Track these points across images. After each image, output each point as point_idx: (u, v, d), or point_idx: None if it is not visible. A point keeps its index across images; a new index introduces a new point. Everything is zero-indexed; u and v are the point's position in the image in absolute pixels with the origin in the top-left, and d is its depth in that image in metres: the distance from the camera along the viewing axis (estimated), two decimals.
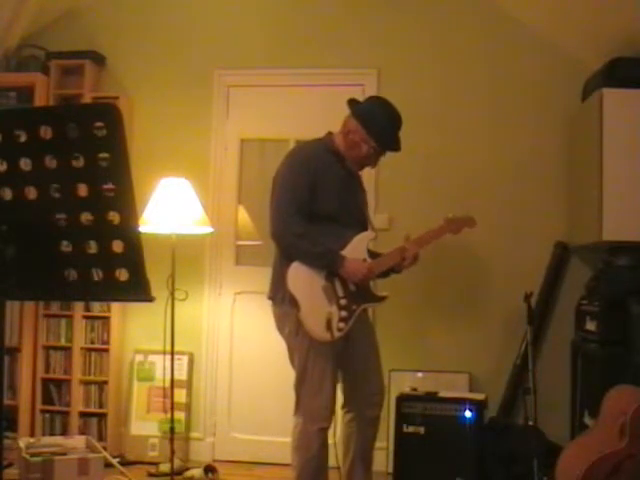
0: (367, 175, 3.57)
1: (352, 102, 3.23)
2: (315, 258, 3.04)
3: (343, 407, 3.26)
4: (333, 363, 3.11)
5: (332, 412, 3.12)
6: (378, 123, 3.13)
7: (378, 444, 4.04)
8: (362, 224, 3.22)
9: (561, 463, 3.15)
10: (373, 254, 3.21)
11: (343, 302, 3.05)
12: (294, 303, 3.01)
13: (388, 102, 3.22)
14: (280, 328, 3.20)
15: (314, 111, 4.57)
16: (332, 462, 3.30)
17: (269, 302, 3.24)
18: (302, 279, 3.04)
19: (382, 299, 3.17)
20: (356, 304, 3.08)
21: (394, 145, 3.20)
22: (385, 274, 3.22)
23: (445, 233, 3.29)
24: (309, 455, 3.09)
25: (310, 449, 3.09)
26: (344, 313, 3.04)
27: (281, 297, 3.11)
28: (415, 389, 3.93)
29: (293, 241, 3.07)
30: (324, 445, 3.11)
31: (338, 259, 3.05)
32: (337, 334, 3.02)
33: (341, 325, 3.03)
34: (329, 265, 3.05)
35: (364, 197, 3.36)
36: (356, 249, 3.12)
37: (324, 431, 3.10)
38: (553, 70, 4.33)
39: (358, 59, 4.51)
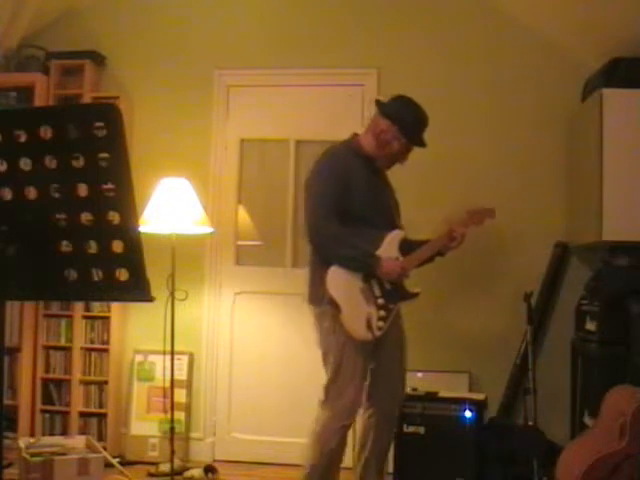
0: None
1: (379, 102, 3.30)
2: (353, 261, 3.10)
3: (365, 402, 3.30)
4: (365, 361, 3.17)
5: (357, 410, 3.18)
6: (408, 120, 3.20)
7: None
8: (391, 223, 3.25)
9: (561, 463, 3.15)
10: (412, 244, 3.24)
11: (381, 302, 3.11)
12: (335, 306, 3.07)
13: (414, 100, 3.29)
14: (317, 326, 3.24)
15: (314, 111, 4.57)
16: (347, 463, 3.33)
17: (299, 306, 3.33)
18: (341, 282, 3.10)
19: (415, 295, 3.21)
20: (393, 302, 3.15)
21: (422, 141, 3.27)
22: (430, 259, 3.28)
23: (470, 225, 3.31)
24: (326, 449, 3.14)
25: (329, 444, 3.14)
26: (382, 312, 3.11)
27: (320, 297, 3.14)
28: (415, 389, 3.93)
29: (330, 244, 3.13)
30: (342, 442, 3.17)
31: (375, 260, 3.10)
32: (377, 333, 3.10)
33: (380, 324, 3.10)
34: (366, 267, 3.10)
35: (393, 196, 3.38)
36: (388, 248, 3.17)
37: (345, 428, 3.16)
38: (553, 70, 4.33)
39: (358, 59, 4.51)
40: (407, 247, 3.22)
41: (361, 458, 3.31)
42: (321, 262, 3.14)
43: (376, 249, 3.14)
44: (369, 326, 3.07)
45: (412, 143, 3.25)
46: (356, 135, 3.32)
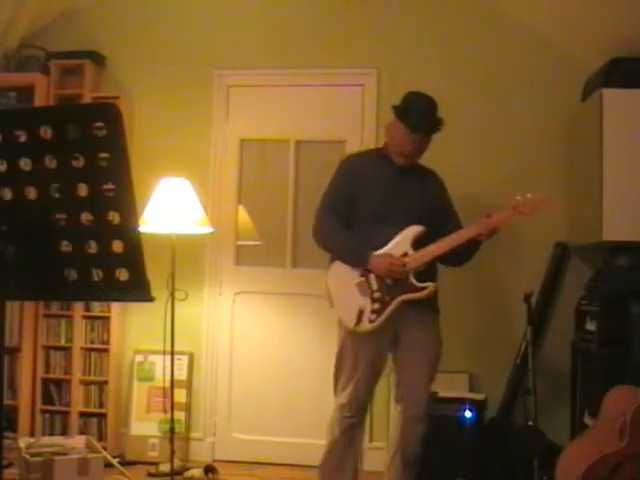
0: None
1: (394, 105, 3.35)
2: (344, 256, 3.24)
3: (393, 402, 3.37)
4: (370, 357, 3.21)
5: (358, 405, 3.24)
6: (410, 111, 3.23)
7: (378, 444, 4.05)
8: (414, 220, 3.22)
9: (561, 463, 3.15)
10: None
11: (376, 295, 3.17)
12: (329, 298, 3.24)
13: (419, 92, 3.33)
14: None
15: (314, 111, 4.57)
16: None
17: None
18: (338, 276, 3.24)
19: (421, 289, 3.18)
20: (390, 296, 3.17)
21: (430, 126, 3.25)
22: (473, 248, 3.25)
23: (514, 216, 3.23)
24: (331, 438, 3.28)
25: (333, 433, 3.28)
26: (377, 305, 3.16)
27: None
28: None
29: (324, 241, 3.32)
30: (345, 432, 3.25)
31: (363, 255, 3.18)
32: (368, 326, 3.16)
33: (372, 317, 3.16)
34: (356, 262, 3.21)
35: (425, 194, 3.34)
36: (399, 244, 3.19)
37: (347, 419, 3.24)
38: (553, 70, 4.32)
39: (358, 59, 4.51)
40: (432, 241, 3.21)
41: (390, 461, 3.34)
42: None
43: (379, 246, 3.18)
44: (359, 318, 3.15)
45: (418, 132, 3.22)
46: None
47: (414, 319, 3.20)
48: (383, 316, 3.15)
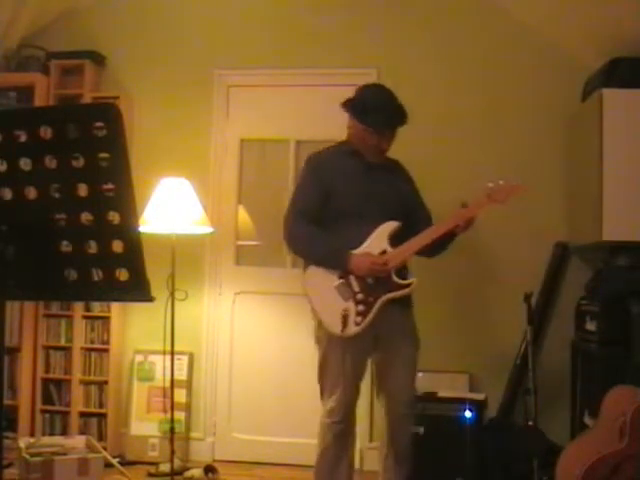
0: None
1: (345, 101, 3.26)
2: (322, 259, 3.13)
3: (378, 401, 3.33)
4: (355, 360, 3.14)
5: (347, 409, 3.18)
6: (368, 108, 3.14)
7: (378, 444, 4.04)
8: (388, 216, 3.16)
9: (561, 463, 3.15)
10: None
11: (360, 297, 3.08)
12: (310, 304, 3.14)
13: (373, 84, 3.28)
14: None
15: (314, 111, 4.57)
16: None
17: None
18: (316, 281, 3.14)
19: (405, 287, 3.12)
20: (373, 296, 3.08)
21: (392, 121, 3.17)
22: (449, 240, 3.19)
23: (487, 204, 3.19)
24: (323, 446, 3.20)
25: (324, 440, 3.19)
26: (361, 307, 3.07)
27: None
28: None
29: (299, 246, 3.23)
30: (337, 437, 3.18)
31: (342, 257, 3.09)
32: (354, 329, 3.06)
33: (358, 319, 3.07)
34: (335, 264, 3.10)
35: (396, 188, 3.27)
36: (376, 241, 3.12)
37: (337, 424, 3.17)
38: (553, 70, 4.33)
39: (358, 59, 4.51)
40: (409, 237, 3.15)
41: (384, 462, 3.31)
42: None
43: (356, 244, 3.10)
44: (345, 322, 3.05)
45: (380, 129, 3.15)
46: None
47: (394, 317, 3.12)
48: (369, 317, 3.07)
